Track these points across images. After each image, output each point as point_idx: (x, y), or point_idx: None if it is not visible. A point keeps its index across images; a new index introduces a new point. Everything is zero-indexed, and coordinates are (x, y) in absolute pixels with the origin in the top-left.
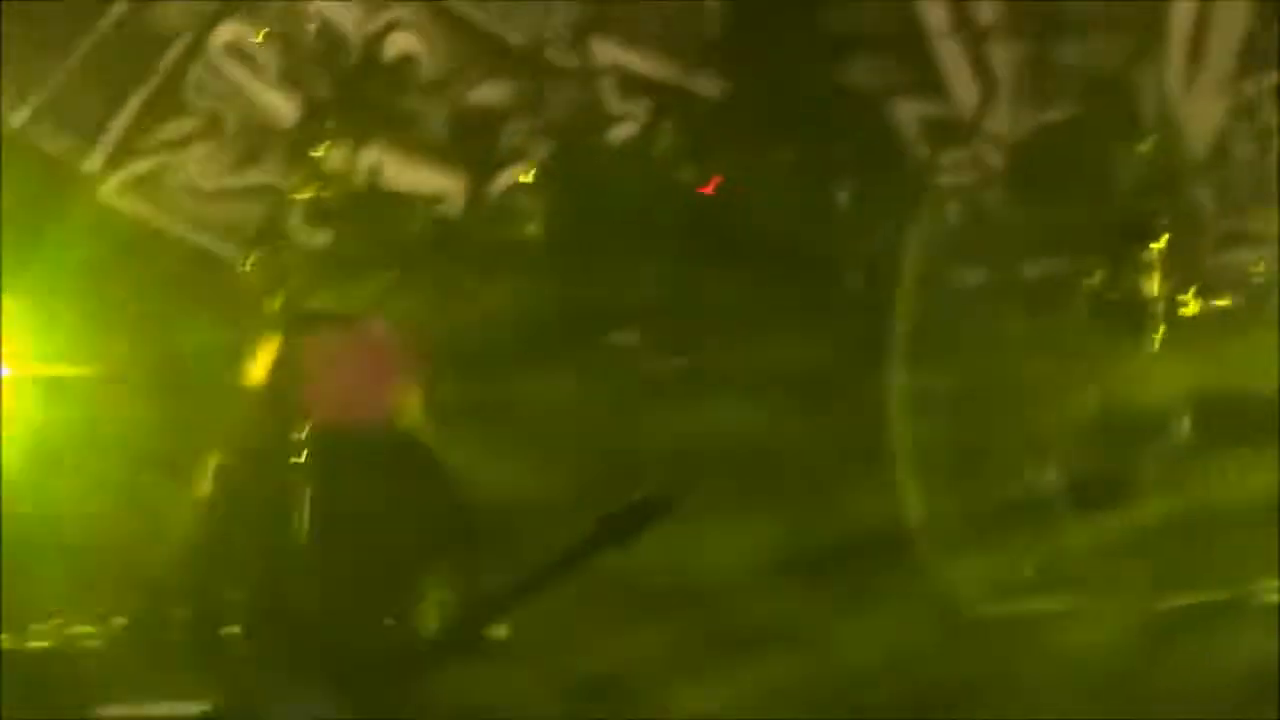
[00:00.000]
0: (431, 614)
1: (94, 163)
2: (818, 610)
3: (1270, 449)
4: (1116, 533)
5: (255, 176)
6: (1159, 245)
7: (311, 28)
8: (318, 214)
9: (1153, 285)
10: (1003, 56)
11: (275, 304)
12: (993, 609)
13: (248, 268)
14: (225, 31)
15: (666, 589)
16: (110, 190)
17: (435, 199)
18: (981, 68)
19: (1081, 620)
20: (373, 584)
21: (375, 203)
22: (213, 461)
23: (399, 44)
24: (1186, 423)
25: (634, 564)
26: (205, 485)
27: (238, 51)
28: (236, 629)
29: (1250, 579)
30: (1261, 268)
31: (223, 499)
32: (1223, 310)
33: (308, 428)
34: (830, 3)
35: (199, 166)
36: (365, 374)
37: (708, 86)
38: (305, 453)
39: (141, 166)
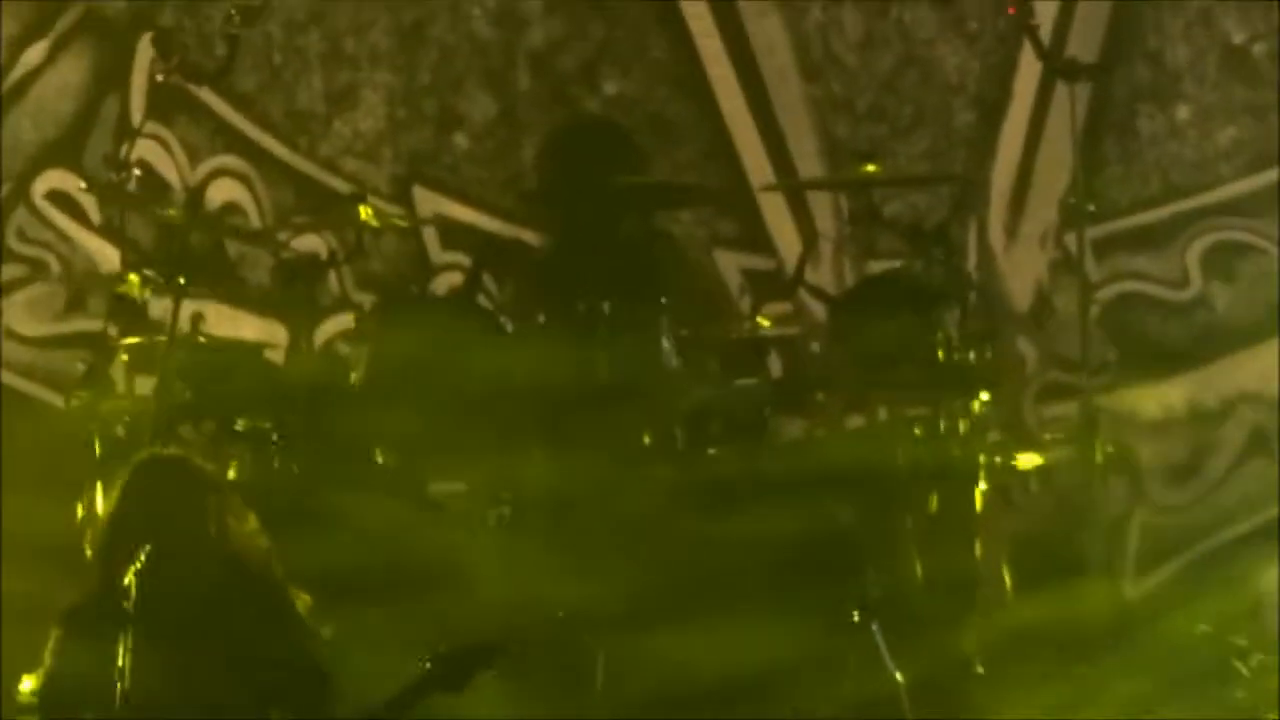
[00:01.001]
0: None
1: None
2: None
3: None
4: None
5: (79, 323)
6: (981, 398)
7: (135, 175)
8: (141, 361)
9: (975, 438)
10: (826, 210)
11: (99, 451)
12: None
13: (70, 412)
14: (48, 179)
15: None
16: None
17: (258, 347)
18: (804, 220)
19: None
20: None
21: (198, 351)
22: (61, 609)
23: (223, 191)
24: (1006, 574)
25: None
26: (55, 631)
27: (61, 199)
28: None
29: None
30: (1077, 422)
31: (71, 644)
32: (1045, 464)
33: (134, 571)
34: (651, 155)
35: (23, 313)
36: (194, 516)
37: (530, 237)
38: (134, 597)
39: None
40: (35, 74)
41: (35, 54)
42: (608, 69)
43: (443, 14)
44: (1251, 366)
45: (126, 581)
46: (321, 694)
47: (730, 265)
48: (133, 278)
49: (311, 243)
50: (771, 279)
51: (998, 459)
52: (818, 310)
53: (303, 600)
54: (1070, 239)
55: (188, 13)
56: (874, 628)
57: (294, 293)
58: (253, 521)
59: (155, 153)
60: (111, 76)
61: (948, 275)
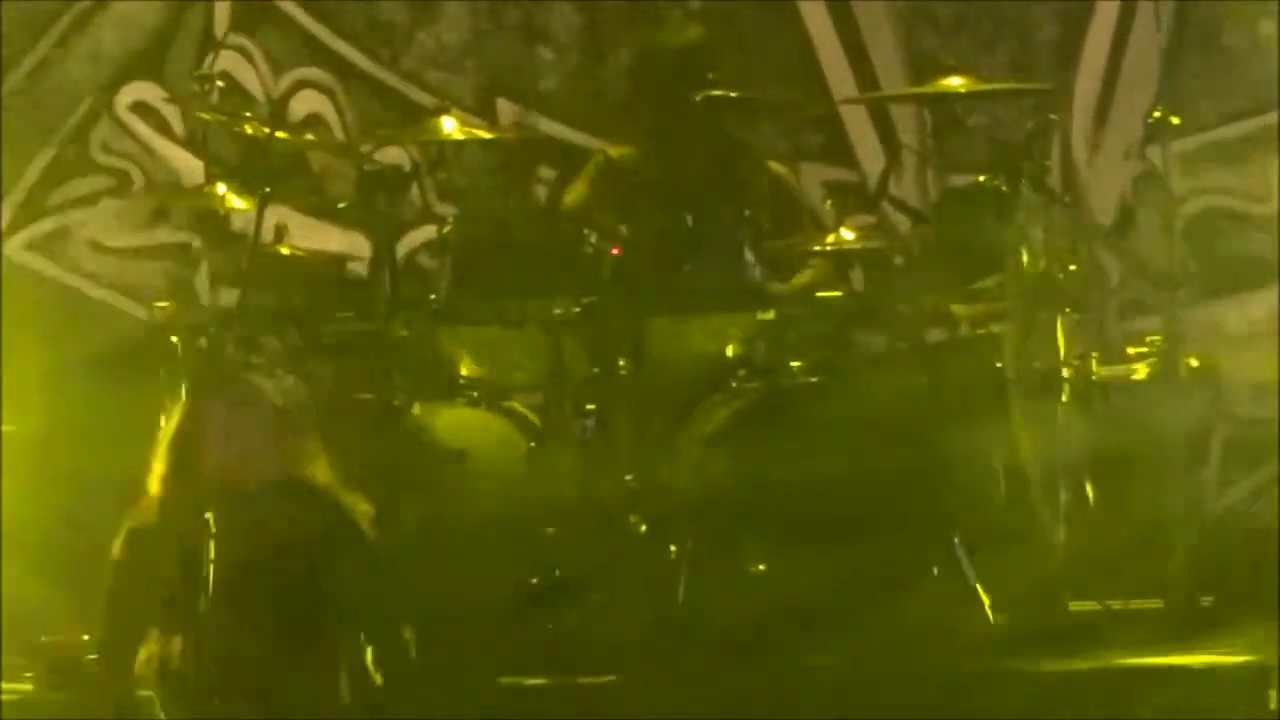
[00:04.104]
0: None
1: None
2: None
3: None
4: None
5: (163, 235)
6: (1065, 312)
7: (219, 86)
8: (225, 273)
9: (1058, 352)
10: (909, 122)
11: (183, 362)
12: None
13: (156, 321)
14: (132, 90)
15: None
16: (15, 247)
17: (341, 259)
18: (887, 133)
19: None
20: (287, 644)
21: (281, 262)
22: (125, 524)
23: (306, 103)
24: (1089, 489)
25: None
26: (117, 548)
27: (144, 110)
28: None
29: None
30: (1161, 336)
31: (134, 561)
32: (1128, 378)
33: (207, 488)
34: (735, 67)
35: (105, 224)
36: (266, 432)
37: (613, 149)
38: (207, 513)
39: (47, 225)
40: None
41: None
42: None
43: None
44: None
45: (188, 505)
46: (385, 614)
47: (813, 178)
48: (216, 189)
49: (394, 155)
50: (855, 191)
51: (1081, 373)
52: (901, 223)
53: (363, 512)
54: (1154, 152)
55: None
56: (955, 540)
57: (376, 205)
58: (316, 442)
59: (238, 64)
60: None
61: (1031, 188)
